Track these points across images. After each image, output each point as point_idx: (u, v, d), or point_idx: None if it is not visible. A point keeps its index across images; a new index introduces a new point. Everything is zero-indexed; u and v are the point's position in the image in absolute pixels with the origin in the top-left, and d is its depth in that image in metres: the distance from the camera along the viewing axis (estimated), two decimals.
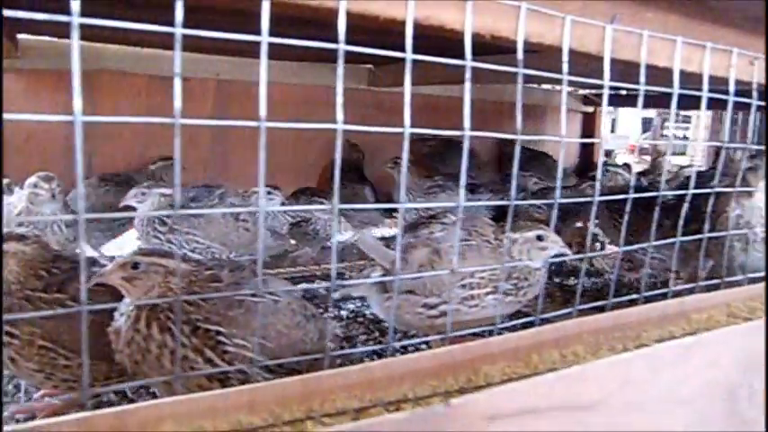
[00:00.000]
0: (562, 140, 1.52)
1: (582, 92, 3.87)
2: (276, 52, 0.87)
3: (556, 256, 1.54)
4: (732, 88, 1.33)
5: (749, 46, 1.35)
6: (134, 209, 1.96)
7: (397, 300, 1.50)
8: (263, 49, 0.79)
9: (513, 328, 1.15)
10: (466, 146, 0.98)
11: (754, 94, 1.37)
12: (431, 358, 0.95)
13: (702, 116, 5.05)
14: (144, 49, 2.63)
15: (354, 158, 3.10)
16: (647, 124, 9.49)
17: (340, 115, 0.88)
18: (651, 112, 8.17)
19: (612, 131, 7.98)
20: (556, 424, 0.79)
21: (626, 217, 1.23)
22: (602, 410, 0.83)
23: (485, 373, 0.96)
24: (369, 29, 0.91)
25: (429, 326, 1.50)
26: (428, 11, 0.91)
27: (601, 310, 1.21)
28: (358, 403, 0.87)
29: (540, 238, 1.52)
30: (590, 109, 3.98)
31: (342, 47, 0.85)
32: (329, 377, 0.88)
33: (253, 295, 1.18)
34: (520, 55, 0.99)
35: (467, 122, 0.96)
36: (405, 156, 0.97)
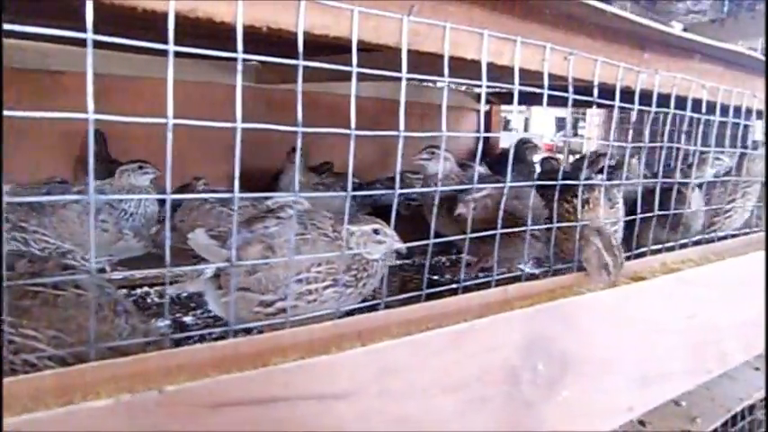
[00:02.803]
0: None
1: (477, 90, 3.94)
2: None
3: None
4: (546, 82, 1.36)
5: (564, 43, 1.39)
6: None
7: (233, 297, 1.48)
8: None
9: None
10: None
11: (570, 89, 1.42)
12: (213, 350, 0.93)
13: (595, 114, 5.23)
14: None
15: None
16: (561, 123, 9.76)
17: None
18: (564, 112, 8.36)
19: (525, 131, 8.14)
20: (299, 412, 0.78)
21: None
22: (356, 399, 0.84)
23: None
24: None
25: (268, 323, 1.49)
26: (193, 2, 0.90)
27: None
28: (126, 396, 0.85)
29: (376, 231, 1.53)
30: (486, 107, 4.05)
31: (90, 36, 0.83)
32: (94, 369, 0.86)
33: (54, 287, 1.14)
34: (300, 47, 0.99)
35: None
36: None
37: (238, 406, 0.73)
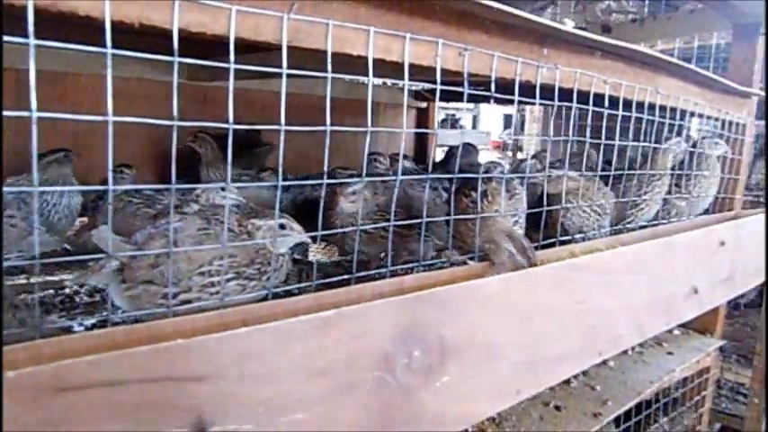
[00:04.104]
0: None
1: (414, 88, 3.99)
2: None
3: (299, 244, 1.59)
4: (439, 78, 1.40)
5: (458, 39, 1.43)
6: None
7: (137, 290, 1.50)
8: None
9: None
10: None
11: (465, 84, 1.46)
12: (88, 339, 0.94)
13: (535, 110, 5.34)
14: None
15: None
16: (509, 121, 9.91)
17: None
18: (511, 109, 8.54)
19: (474, 128, 8.26)
20: (152, 394, 0.81)
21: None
22: (214, 382, 0.86)
23: None
24: None
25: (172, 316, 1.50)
26: None
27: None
28: None
29: (282, 226, 1.56)
30: (423, 104, 4.12)
31: None
32: None
33: None
34: (175, 44, 1.01)
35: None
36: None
37: (85, 389, 0.75)
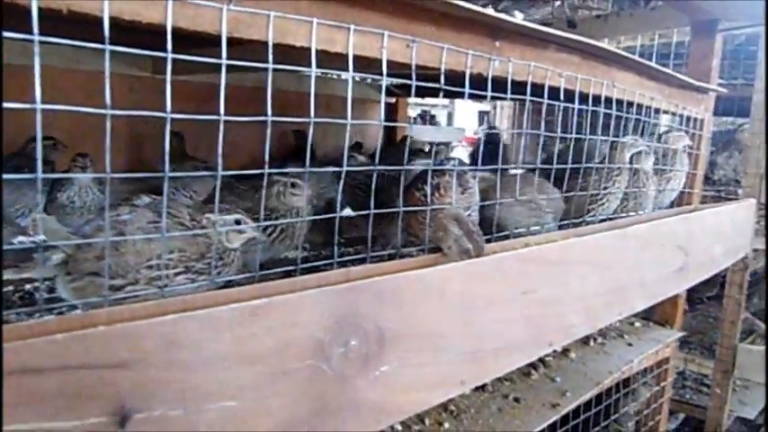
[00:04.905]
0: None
1: (383, 83, 3.99)
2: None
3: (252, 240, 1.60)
4: (385, 69, 1.41)
5: (405, 30, 1.43)
6: None
7: (82, 282, 1.49)
8: None
9: None
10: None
11: (413, 75, 1.46)
12: (18, 330, 0.93)
13: (505, 107, 5.38)
14: None
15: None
16: (483, 117, 9.93)
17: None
18: (486, 106, 8.57)
19: (449, 124, 8.25)
20: (72, 381, 0.80)
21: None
22: (139, 369, 0.86)
23: None
24: None
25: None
26: None
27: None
28: None
29: (237, 222, 1.56)
30: (392, 99, 4.12)
31: None
32: None
33: None
34: (106, 32, 1.00)
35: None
36: None
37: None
